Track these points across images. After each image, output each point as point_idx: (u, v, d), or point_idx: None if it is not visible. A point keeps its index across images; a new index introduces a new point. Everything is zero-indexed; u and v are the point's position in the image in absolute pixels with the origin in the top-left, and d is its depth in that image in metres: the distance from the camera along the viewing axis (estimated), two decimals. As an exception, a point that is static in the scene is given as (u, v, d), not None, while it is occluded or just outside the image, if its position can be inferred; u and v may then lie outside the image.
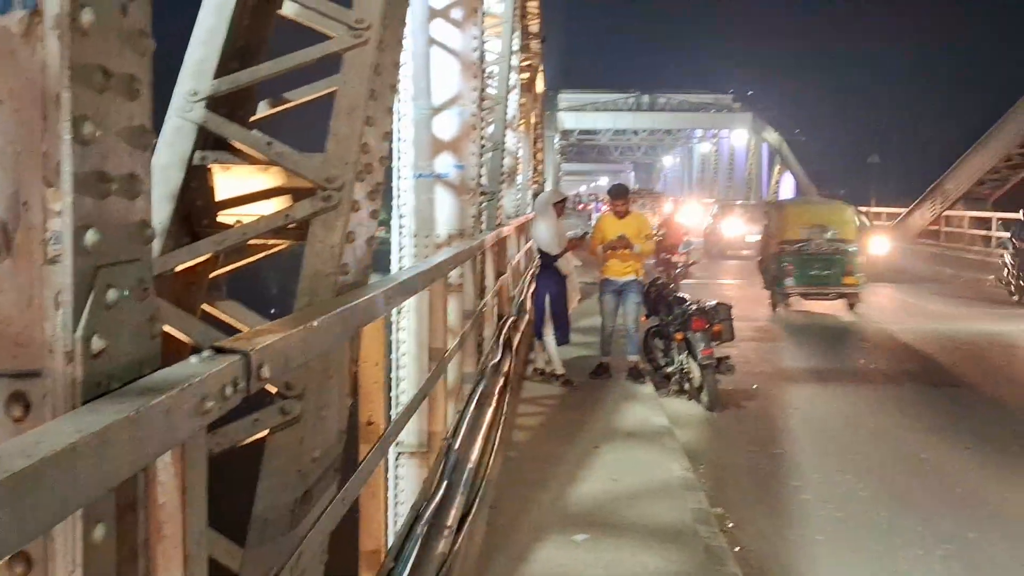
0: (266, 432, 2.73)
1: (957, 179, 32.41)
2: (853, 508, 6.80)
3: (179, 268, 3.14)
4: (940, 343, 14.33)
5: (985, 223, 28.79)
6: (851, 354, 13.58)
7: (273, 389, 2.70)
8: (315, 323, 2.10)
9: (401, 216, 8.35)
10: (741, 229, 30.66)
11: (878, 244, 25.53)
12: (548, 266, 10.10)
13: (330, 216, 2.97)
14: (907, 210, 34.72)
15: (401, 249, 8.44)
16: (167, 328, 2.69)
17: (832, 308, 17.40)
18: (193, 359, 1.56)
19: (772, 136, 54.93)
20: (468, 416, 5.65)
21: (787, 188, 53.29)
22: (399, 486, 7.92)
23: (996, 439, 8.64)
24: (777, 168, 55.91)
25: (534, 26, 19.52)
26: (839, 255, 17.27)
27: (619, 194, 10.78)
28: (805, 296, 17.57)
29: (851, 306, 17.10)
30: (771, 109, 59.03)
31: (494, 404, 6.45)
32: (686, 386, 9.96)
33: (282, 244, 3.49)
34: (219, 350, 1.63)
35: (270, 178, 3.37)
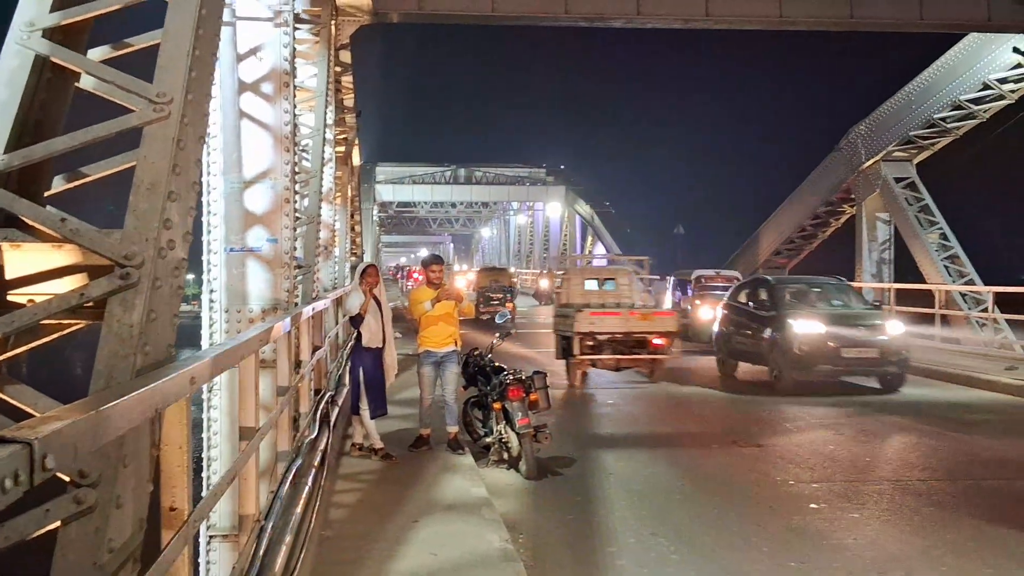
0: (58, 524, 2.59)
1: (755, 250, 34.40)
2: (667, 572, 6.96)
3: (-37, 352, 2.96)
4: (739, 406, 15.06)
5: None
6: (663, 419, 14.03)
7: (67, 477, 2.57)
8: (108, 407, 2.02)
9: (212, 291, 8.15)
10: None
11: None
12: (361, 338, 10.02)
13: (129, 294, 2.88)
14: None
15: (212, 325, 8.22)
16: (-53, 416, 2.53)
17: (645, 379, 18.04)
18: (-33, 451, 1.48)
19: (584, 208, 56.82)
20: (282, 496, 5.50)
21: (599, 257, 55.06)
22: (211, 571, 7.61)
23: (799, 498, 9.06)
24: (590, 239, 57.79)
25: (349, 100, 19.63)
26: (503, 292, 35.38)
27: (433, 262, 10.92)
28: (488, 313, 28.02)
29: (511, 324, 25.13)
30: (583, 183, 61.09)
31: (310, 482, 6.31)
32: (505, 455, 10.02)
33: (78, 324, 3.35)
34: (-2, 440, 1.55)
35: (65, 255, 3.24)
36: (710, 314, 22.70)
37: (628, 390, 16.95)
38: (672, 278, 28.74)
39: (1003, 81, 23.36)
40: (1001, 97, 23.92)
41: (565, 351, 17.98)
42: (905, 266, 28.08)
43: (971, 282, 25.25)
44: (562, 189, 61.34)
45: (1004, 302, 22.09)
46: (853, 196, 30.00)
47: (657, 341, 17.21)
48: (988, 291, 22.88)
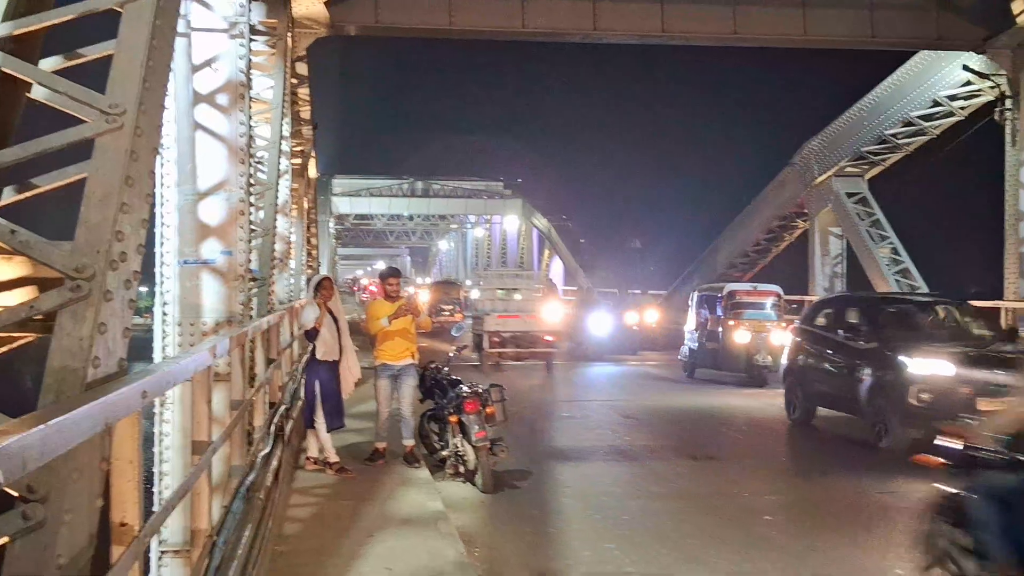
0: (5, 540, 2.54)
1: (710, 263, 34.69)
2: (622, 583, 6.99)
3: (-92, 365, 2.91)
4: (695, 417, 15.19)
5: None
6: (620, 431, 14.07)
7: (15, 492, 2.53)
8: (57, 421, 1.99)
9: (165, 304, 8.05)
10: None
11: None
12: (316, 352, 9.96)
13: (79, 307, 2.84)
14: (667, 292, 36.64)
15: (165, 338, 8.12)
16: None
17: (596, 393, 18.13)
18: (-88, 467, 1.45)
19: (541, 222, 56.85)
20: (235, 510, 5.45)
21: (557, 270, 55.26)
22: (162, 588, 7.49)
23: (755, 509, 9.14)
24: (547, 252, 57.90)
25: (305, 112, 19.53)
26: (455, 305, 40.08)
27: (390, 275, 10.88)
28: (439, 323, 28.44)
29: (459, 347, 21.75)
30: (540, 196, 61.11)
31: (264, 497, 6.25)
32: (461, 469, 10.00)
33: (27, 337, 3.30)
34: (-57, 455, 1.53)
35: (14, 268, 3.20)
36: (746, 337, 20.32)
37: (587, 402, 17.00)
38: (695, 294, 23.61)
39: (953, 98, 23.75)
40: (951, 114, 24.31)
41: (478, 346, 22.83)
42: (857, 280, 28.44)
43: (921, 296, 25.61)
44: (519, 202, 61.35)
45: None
46: (806, 211, 30.37)
47: (548, 338, 22.87)
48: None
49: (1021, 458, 5.39)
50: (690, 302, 23.83)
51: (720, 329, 21.29)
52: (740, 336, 20.53)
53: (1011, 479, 5.39)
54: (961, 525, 5.78)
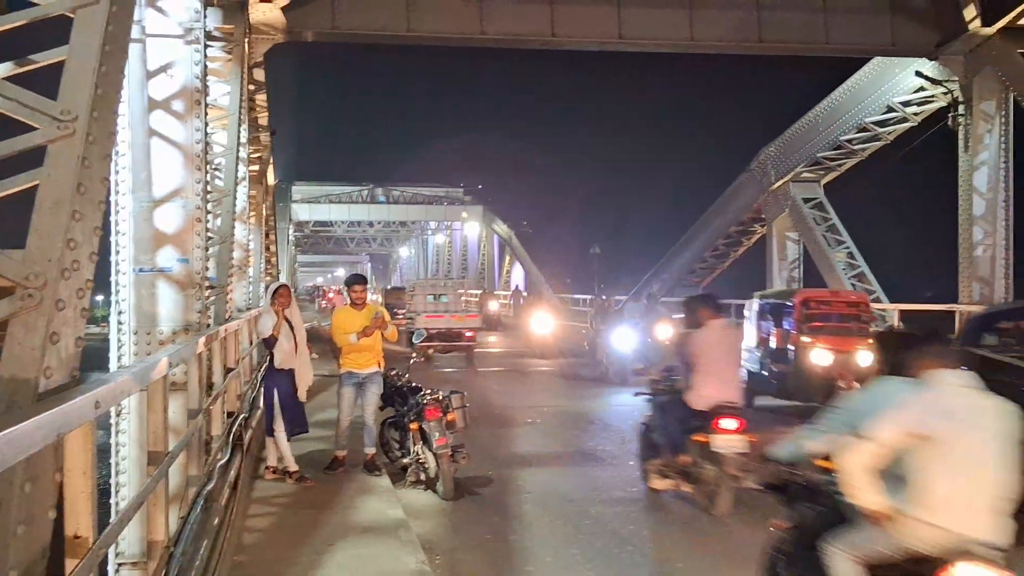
0: (-45, 554, 2.50)
1: (669, 269, 34.94)
2: (584, 588, 7.00)
3: None
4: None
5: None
6: (580, 437, 14.10)
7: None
8: (8, 432, 1.96)
9: (120, 312, 7.97)
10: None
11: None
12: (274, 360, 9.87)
13: (31, 316, 2.80)
14: (626, 298, 36.81)
15: (120, 347, 8.03)
16: None
17: (565, 399, 18.10)
18: None
19: (502, 228, 56.96)
20: (193, 521, 5.39)
21: (518, 276, 55.40)
22: (119, 601, 7.39)
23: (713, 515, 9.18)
24: (508, 258, 58.00)
25: (263, 119, 19.42)
26: (405, 309, 32.07)
27: (355, 282, 10.82)
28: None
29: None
30: (501, 203, 61.20)
31: (222, 507, 6.19)
32: (422, 476, 9.96)
33: (-23, 347, 3.24)
34: None
35: (-37, 277, 3.14)
36: (827, 358, 15.30)
37: (550, 408, 17.00)
38: (756, 303, 17.95)
39: (906, 104, 24.10)
40: (905, 120, 24.66)
41: (410, 343, 22.94)
42: (814, 284, 28.74)
43: (877, 300, 25.93)
44: (479, 209, 61.46)
45: (909, 319, 22.77)
46: (764, 216, 30.70)
47: (468, 334, 26.38)
48: (894, 308, 23.54)
49: (674, 386, 9.47)
50: (747, 312, 18.41)
51: (791, 347, 16.07)
52: (818, 356, 15.53)
53: (667, 396, 9.53)
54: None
